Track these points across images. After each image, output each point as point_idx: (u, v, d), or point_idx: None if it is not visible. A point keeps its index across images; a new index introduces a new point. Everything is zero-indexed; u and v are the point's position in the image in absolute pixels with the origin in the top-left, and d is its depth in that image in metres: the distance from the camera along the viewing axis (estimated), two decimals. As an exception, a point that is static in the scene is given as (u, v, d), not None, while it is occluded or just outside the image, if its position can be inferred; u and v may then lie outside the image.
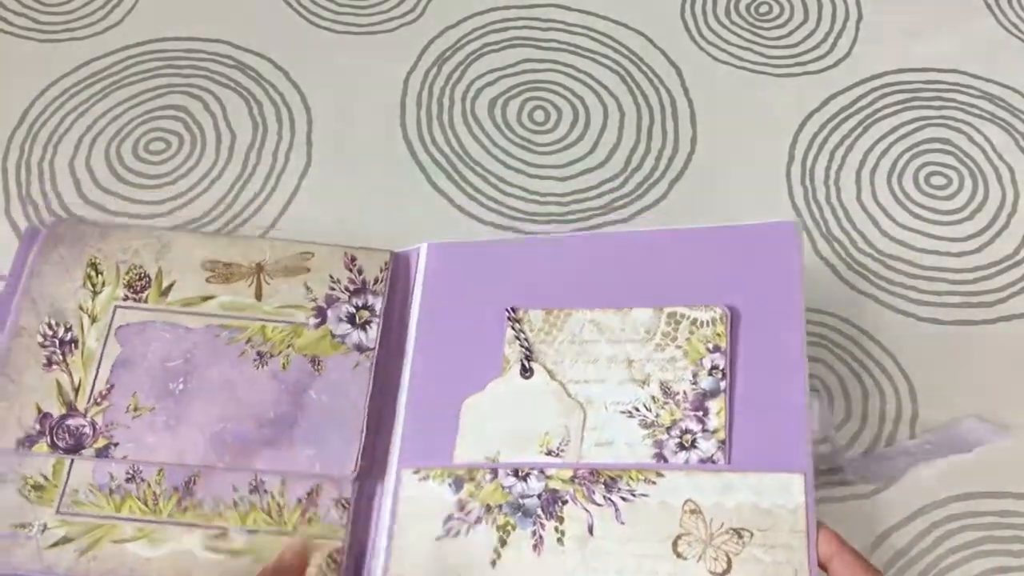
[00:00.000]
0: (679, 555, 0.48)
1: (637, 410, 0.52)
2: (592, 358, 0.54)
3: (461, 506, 0.52)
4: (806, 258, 0.65)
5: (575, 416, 0.53)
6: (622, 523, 0.49)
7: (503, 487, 0.52)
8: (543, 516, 0.51)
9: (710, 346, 0.52)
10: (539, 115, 0.73)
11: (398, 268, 0.60)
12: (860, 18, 0.76)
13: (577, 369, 0.54)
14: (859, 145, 0.70)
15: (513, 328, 0.55)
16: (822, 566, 0.46)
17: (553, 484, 0.51)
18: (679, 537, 0.48)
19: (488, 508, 0.52)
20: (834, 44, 0.76)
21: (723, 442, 0.50)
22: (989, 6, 0.70)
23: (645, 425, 0.51)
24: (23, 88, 0.74)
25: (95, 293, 0.59)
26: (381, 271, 0.60)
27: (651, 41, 0.77)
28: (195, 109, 0.75)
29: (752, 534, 0.47)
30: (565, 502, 0.51)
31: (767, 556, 0.47)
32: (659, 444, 0.51)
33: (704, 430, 0.50)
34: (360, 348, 0.57)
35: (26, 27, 0.77)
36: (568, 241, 0.57)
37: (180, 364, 0.57)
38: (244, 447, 0.55)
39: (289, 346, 0.58)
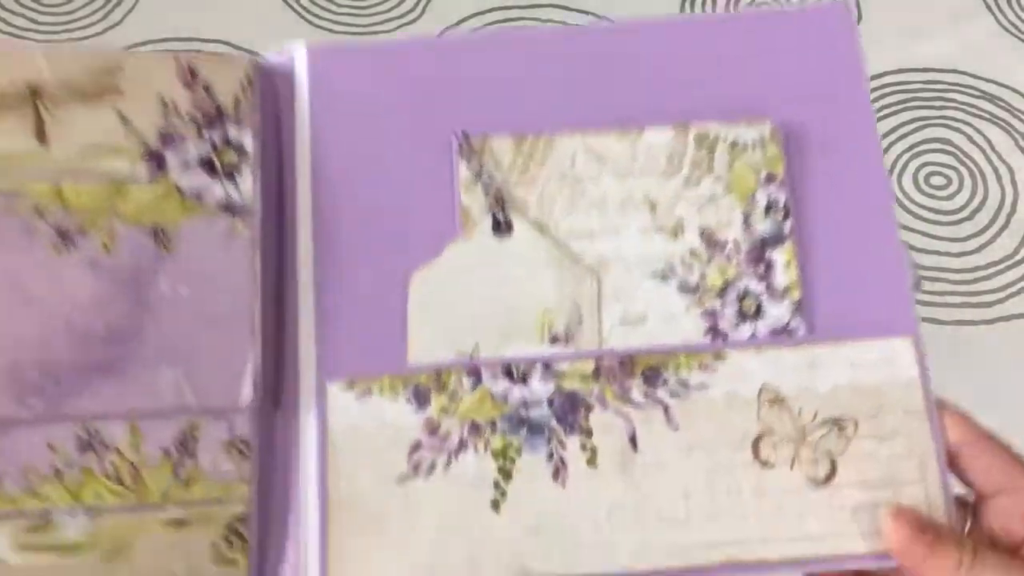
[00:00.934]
0: (764, 462, 0.36)
1: (673, 270, 0.38)
2: (596, 201, 0.39)
3: (431, 428, 0.37)
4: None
5: (586, 284, 0.38)
6: (676, 428, 0.36)
7: (493, 395, 0.37)
8: (561, 431, 0.36)
9: (762, 176, 0.39)
10: None
11: (263, 83, 0.41)
12: (860, 18, 0.75)
13: (577, 218, 0.39)
14: (859, 144, 0.68)
15: (469, 164, 0.39)
16: (950, 456, 0.36)
17: (568, 384, 0.37)
18: (760, 438, 0.36)
19: (475, 427, 0.36)
20: (835, 42, 0.74)
21: (798, 304, 0.38)
22: (988, 6, 0.70)
23: (687, 290, 0.38)
24: (23, 87, 0.72)
25: None
26: (243, 89, 0.40)
27: None
28: None
29: (857, 424, 0.36)
30: (590, 408, 0.37)
31: (882, 449, 0.36)
32: (711, 315, 0.38)
33: (770, 290, 0.38)
34: (231, 208, 0.38)
35: (25, 27, 0.79)
36: (538, 38, 0.42)
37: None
38: (60, 382, 0.35)
39: (112, 215, 0.38)
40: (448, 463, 0.36)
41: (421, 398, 0.37)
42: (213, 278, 0.38)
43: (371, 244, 0.39)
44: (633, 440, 0.36)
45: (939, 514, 0.35)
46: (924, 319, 0.61)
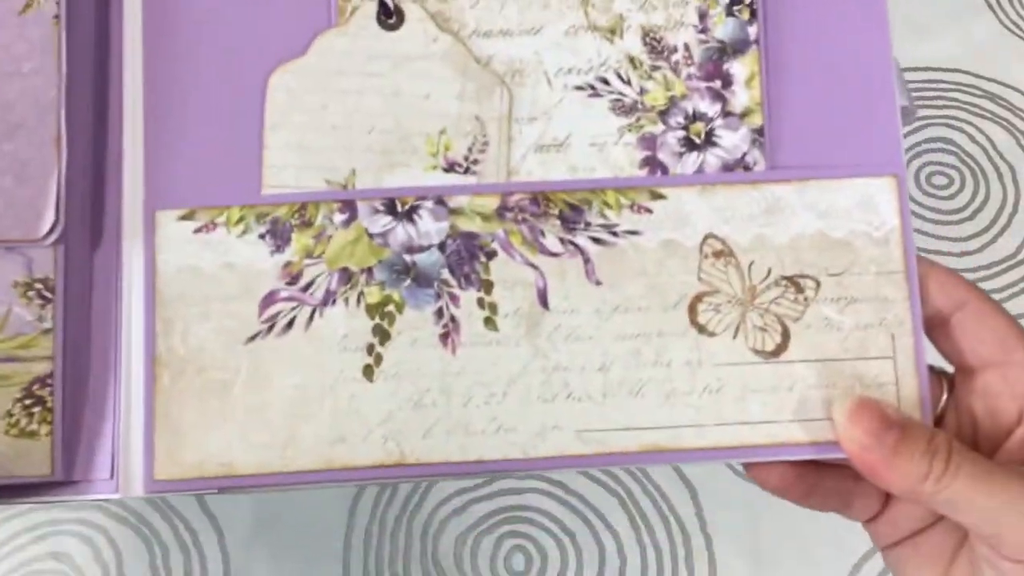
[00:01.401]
0: (701, 328, 0.29)
1: (605, 83, 0.30)
2: (512, -11, 0.30)
3: (291, 276, 0.29)
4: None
5: (495, 97, 0.30)
6: (597, 284, 0.29)
7: (370, 235, 0.29)
8: (453, 283, 0.29)
9: (727, -37, 0.31)
10: None
11: None
12: None
13: (487, 10, 0.30)
14: (861, 143, 0.64)
15: (351, -66, 0.30)
16: (936, 323, 0.30)
17: (466, 224, 0.29)
18: (698, 299, 0.29)
19: (346, 275, 0.29)
20: (836, 39, 0.67)
21: (760, 132, 0.30)
22: (990, 5, 0.69)
23: (622, 110, 0.30)
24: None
25: None
26: None
27: None
28: None
29: (819, 284, 0.30)
30: (492, 255, 0.29)
31: (846, 317, 0.29)
32: (650, 142, 0.30)
33: (726, 113, 0.30)
34: (28, -27, 0.29)
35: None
36: None
37: None
38: None
39: None
40: (311, 319, 0.29)
41: (279, 236, 0.29)
42: (3, 66, 0.29)
43: (220, 31, 0.30)
44: (543, 297, 0.29)
45: (910, 401, 0.29)
46: (926, 321, 0.61)
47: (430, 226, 0.29)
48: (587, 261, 0.29)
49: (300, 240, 0.29)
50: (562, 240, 0.30)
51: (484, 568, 0.50)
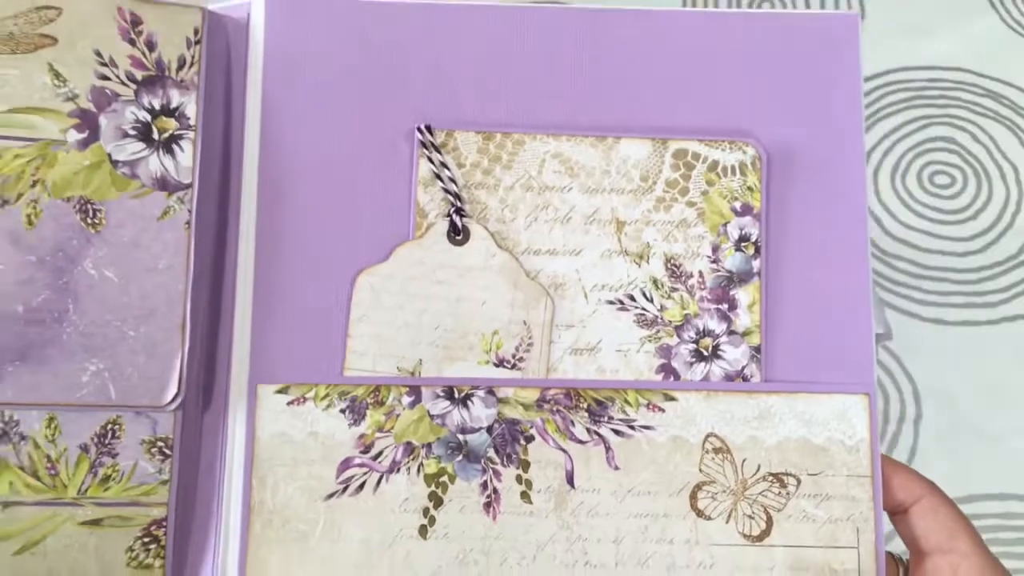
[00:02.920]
0: (699, 513, 0.36)
1: (632, 299, 0.37)
2: (560, 215, 0.37)
3: (365, 446, 0.36)
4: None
5: (539, 306, 0.37)
6: (616, 468, 0.36)
7: (431, 416, 0.36)
8: (497, 460, 0.36)
9: (737, 206, 0.37)
10: None
11: (215, 40, 0.38)
12: (863, 17, 0.73)
13: (538, 232, 0.37)
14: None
15: (431, 160, 0.37)
16: (898, 512, 0.36)
17: (510, 411, 0.36)
18: (699, 487, 0.36)
19: (410, 448, 0.36)
20: (838, 39, 0.72)
21: (757, 349, 0.37)
22: (993, 5, 0.71)
23: (644, 323, 0.37)
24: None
25: None
26: (191, 46, 0.37)
27: None
28: None
29: (799, 481, 0.36)
30: (530, 439, 0.36)
31: (820, 511, 0.36)
32: (666, 352, 0.37)
33: (730, 332, 0.37)
34: (167, 185, 0.36)
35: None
36: (518, 16, 0.38)
37: None
38: (-30, 363, 0.34)
39: (35, 183, 0.35)
40: (378, 483, 0.36)
41: (357, 412, 0.36)
42: (143, 263, 0.36)
43: (318, 236, 0.37)
44: (570, 477, 0.36)
45: (866, 588, 0.35)
46: (929, 320, 0.63)
47: (481, 412, 0.36)
48: (608, 449, 0.36)
49: (374, 416, 0.36)
50: (588, 430, 0.36)
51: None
